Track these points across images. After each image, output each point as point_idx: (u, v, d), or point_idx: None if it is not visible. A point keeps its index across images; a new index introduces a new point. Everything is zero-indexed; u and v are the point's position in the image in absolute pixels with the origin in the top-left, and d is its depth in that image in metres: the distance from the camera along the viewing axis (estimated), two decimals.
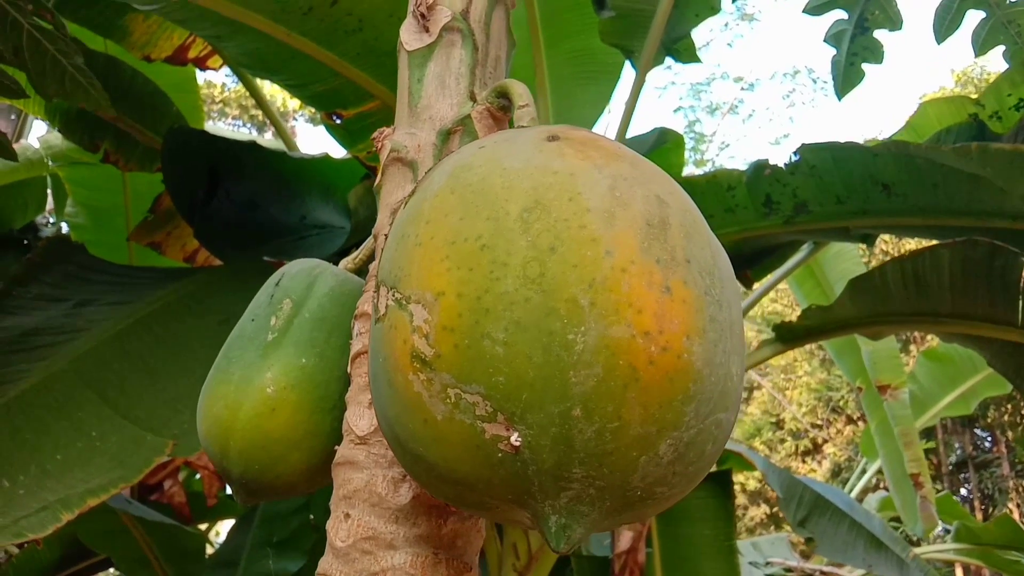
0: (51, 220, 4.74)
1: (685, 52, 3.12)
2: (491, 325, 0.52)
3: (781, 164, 2.74)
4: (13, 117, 5.55)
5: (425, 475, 0.59)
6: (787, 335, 3.04)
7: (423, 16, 0.87)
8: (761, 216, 2.93)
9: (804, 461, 14.39)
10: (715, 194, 2.98)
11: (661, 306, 0.53)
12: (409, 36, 0.89)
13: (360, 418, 0.76)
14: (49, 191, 4.34)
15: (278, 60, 2.65)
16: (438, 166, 0.65)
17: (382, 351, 0.58)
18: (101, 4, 2.89)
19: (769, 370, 15.38)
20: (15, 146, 4.33)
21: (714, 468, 4.20)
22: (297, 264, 0.91)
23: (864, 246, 3.24)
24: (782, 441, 14.79)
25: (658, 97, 28.50)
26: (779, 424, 14.97)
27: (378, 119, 2.75)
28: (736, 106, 16.60)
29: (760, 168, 2.81)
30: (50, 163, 3.96)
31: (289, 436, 0.80)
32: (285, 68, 2.70)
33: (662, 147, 3.73)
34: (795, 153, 2.70)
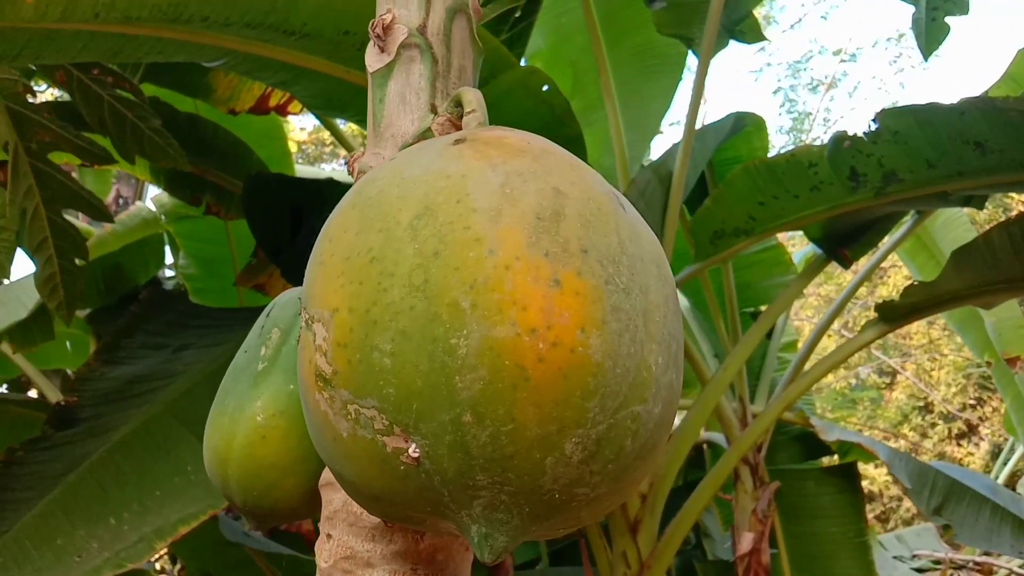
0: (173, 274, 5.07)
1: (749, 32, 3.01)
2: (379, 337, 0.52)
3: (861, 134, 2.59)
4: (134, 181, 6.00)
5: (351, 492, 0.59)
6: (891, 314, 2.85)
7: (379, 37, 0.88)
8: (848, 191, 2.78)
9: (959, 444, 13.39)
10: (797, 173, 2.85)
11: (549, 300, 0.50)
12: (371, 59, 0.90)
13: None
14: (167, 247, 4.64)
15: (342, 98, 2.73)
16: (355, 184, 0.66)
17: (298, 373, 0.59)
18: (183, 67, 3.08)
19: (913, 352, 14.45)
20: (133, 207, 4.68)
21: (837, 461, 4.00)
22: (287, 294, 0.93)
23: (989, 209, 3.01)
24: (933, 425, 13.84)
25: (755, 80, 27.52)
26: (928, 408, 14.02)
27: None
28: (838, 80, 15.68)
29: (840, 141, 2.66)
30: (163, 220, 4.24)
31: (281, 462, 0.82)
32: (351, 104, 2.78)
33: (742, 131, 3.61)
34: (874, 120, 2.54)
